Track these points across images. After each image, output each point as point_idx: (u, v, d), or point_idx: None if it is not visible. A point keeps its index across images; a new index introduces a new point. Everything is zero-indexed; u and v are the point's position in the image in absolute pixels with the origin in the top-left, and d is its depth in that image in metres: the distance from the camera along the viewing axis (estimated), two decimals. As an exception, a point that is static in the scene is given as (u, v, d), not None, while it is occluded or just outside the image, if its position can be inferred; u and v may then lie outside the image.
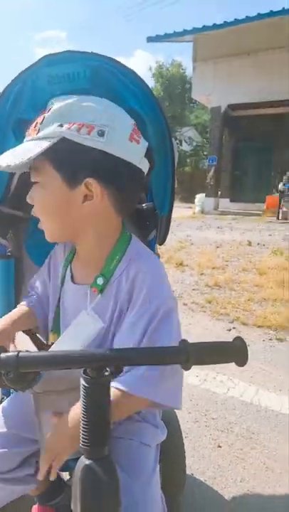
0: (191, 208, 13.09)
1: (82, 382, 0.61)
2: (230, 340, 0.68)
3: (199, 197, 12.90)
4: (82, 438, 0.60)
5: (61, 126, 0.76)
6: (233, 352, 0.66)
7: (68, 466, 0.83)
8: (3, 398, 1.13)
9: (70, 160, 0.77)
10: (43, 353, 0.64)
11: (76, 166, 0.77)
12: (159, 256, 1.20)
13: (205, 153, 20.54)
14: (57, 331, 0.96)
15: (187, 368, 0.63)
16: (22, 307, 1.01)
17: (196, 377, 2.30)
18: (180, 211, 11.65)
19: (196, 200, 12.99)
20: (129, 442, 0.88)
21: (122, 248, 0.88)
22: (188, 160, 23.84)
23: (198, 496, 1.42)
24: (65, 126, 0.75)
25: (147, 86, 0.94)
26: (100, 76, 0.91)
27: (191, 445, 1.70)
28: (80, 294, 0.90)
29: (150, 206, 1.13)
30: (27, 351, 0.62)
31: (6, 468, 0.87)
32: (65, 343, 0.87)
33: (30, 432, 0.90)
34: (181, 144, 24.87)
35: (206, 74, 12.49)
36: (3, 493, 0.89)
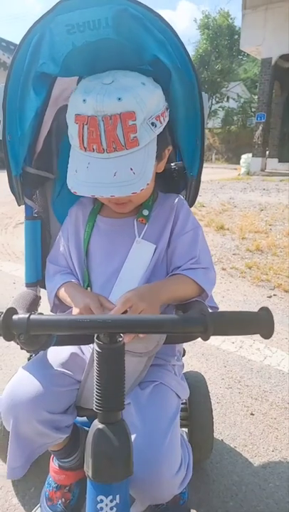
0: (236, 169, 12.57)
1: (96, 347, 0.61)
2: (258, 310, 0.63)
3: (245, 157, 12.32)
4: (96, 402, 0.61)
5: (154, 125, 0.84)
6: (258, 323, 0.62)
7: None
8: (31, 356, 1.16)
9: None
10: (54, 317, 0.63)
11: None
12: None
13: (253, 110, 19.43)
14: (88, 285, 0.98)
15: (206, 339, 0.60)
16: (72, 283, 0.99)
17: (231, 344, 2.25)
18: (224, 172, 11.24)
19: (241, 161, 12.43)
20: (156, 384, 0.91)
21: (152, 195, 1.01)
22: (234, 118, 22.68)
23: (227, 461, 1.42)
24: (156, 124, 0.84)
25: (176, 34, 0.85)
26: (123, 23, 0.82)
27: (223, 411, 1.68)
28: (120, 228, 0.99)
29: (179, 165, 1.07)
30: (40, 314, 0.61)
31: (55, 409, 0.88)
32: (127, 278, 0.94)
33: (77, 372, 0.93)
34: (227, 101, 23.64)
35: (256, 22, 11.54)
36: (42, 440, 0.90)
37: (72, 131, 0.84)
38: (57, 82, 1.02)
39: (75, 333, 0.65)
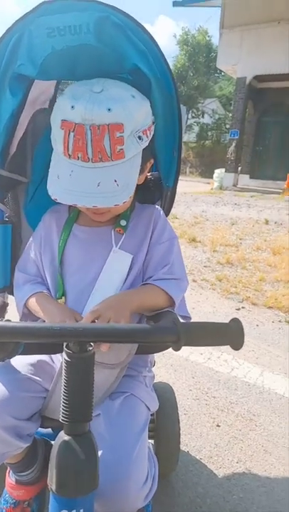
0: (209, 183, 12.83)
1: (65, 356, 0.59)
2: (227, 321, 0.64)
3: (218, 172, 12.59)
4: (63, 413, 0.59)
5: (140, 139, 0.83)
6: (229, 334, 0.63)
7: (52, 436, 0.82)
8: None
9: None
10: (21, 324, 0.61)
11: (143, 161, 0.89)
12: None
13: (227, 126, 19.96)
14: (63, 294, 0.95)
15: (177, 349, 0.60)
16: (43, 294, 0.96)
17: (200, 355, 2.27)
18: (198, 186, 11.44)
19: (214, 176, 12.69)
20: (126, 395, 0.90)
21: (132, 205, 1.01)
22: (209, 133, 23.20)
23: (192, 473, 1.41)
24: (143, 138, 0.84)
25: (157, 44, 0.85)
26: (105, 30, 0.82)
27: (189, 422, 1.68)
28: (97, 238, 0.97)
29: (155, 176, 1.08)
30: (7, 321, 0.59)
31: (19, 415, 0.85)
32: (103, 288, 0.92)
33: (45, 380, 0.90)
34: (203, 116, 24.17)
35: (232, 42, 11.91)
36: (2, 448, 0.86)
37: (57, 136, 0.82)
38: (34, 84, 1.00)
39: (44, 341, 0.63)
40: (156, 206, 1.07)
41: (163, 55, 0.87)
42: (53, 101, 1.11)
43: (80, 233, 0.99)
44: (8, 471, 1.04)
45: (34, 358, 0.94)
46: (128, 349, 0.83)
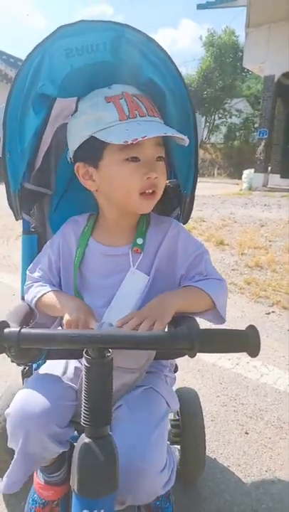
0: (238, 184, 12.65)
1: (84, 361, 0.62)
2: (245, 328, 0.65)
3: (247, 173, 12.38)
4: (84, 416, 0.61)
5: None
6: (245, 341, 0.63)
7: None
8: (24, 369, 1.17)
9: None
10: (44, 331, 0.65)
11: None
12: None
13: (256, 125, 19.61)
14: None
15: (192, 355, 0.62)
16: (57, 291, 1.01)
17: (228, 361, 2.25)
18: (226, 187, 11.31)
19: (243, 176, 12.49)
20: (146, 387, 0.93)
21: (145, 217, 1.02)
22: (237, 134, 22.90)
23: (220, 480, 1.41)
24: None
25: (169, 57, 0.90)
26: (120, 47, 0.88)
27: (217, 429, 1.67)
28: (114, 257, 0.99)
29: (174, 183, 1.10)
30: (31, 327, 0.62)
31: (61, 423, 0.89)
32: (118, 307, 0.94)
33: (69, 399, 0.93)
34: (230, 117, 23.86)
35: (259, 40, 11.72)
36: (43, 454, 0.90)
37: (105, 110, 0.86)
38: (56, 102, 1.05)
39: (64, 347, 0.66)
40: (173, 220, 1.07)
41: (176, 66, 0.90)
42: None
43: (97, 251, 1.02)
44: (35, 472, 1.07)
45: (70, 364, 0.99)
46: (147, 355, 0.86)
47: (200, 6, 11.99)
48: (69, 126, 0.97)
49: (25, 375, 1.17)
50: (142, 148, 0.87)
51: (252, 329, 0.63)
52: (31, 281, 1.06)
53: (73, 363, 1.00)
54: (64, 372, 0.98)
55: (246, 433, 1.66)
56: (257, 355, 0.63)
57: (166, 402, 0.95)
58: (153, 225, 1.03)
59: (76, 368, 0.98)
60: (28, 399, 0.88)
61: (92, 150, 0.90)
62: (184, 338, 0.60)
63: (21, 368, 1.21)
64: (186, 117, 0.96)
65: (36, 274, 1.06)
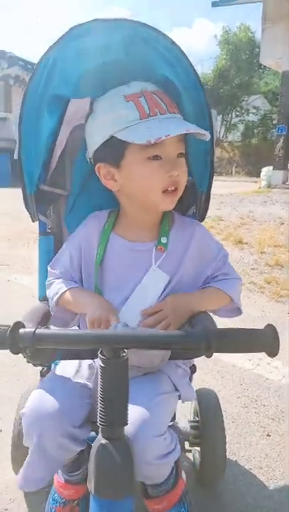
0: (256, 182, 12.48)
1: (99, 362, 0.62)
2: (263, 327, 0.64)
3: (266, 170, 12.19)
4: (100, 417, 0.61)
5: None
6: (263, 341, 0.62)
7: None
8: (43, 369, 1.17)
9: None
10: (59, 331, 0.67)
11: None
12: None
13: (274, 122, 19.34)
14: None
15: (209, 356, 0.60)
16: (79, 288, 1.02)
17: (248, 361, 2.22)
18: (244, 186, 11.18)
19: (262, 174, 12.31)
20: (155, 373, 0.94)
21: (168, 215, 1.03)
22: (255, 131, 22.61)
23: (241, 483, 1.38)
24: None
25: (183, 53, 0.87)
26: (134, 45, 0.86)
27: (238, 431, 1.65)
28: (138, 253, 0.99)
29: (190, 181, 1.09)
30: (46, 327, 0.62)
31: (76, 422, 0.89)
32: (135, 304, 0.95)
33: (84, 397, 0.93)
34: (247, 114, 23.58)
35: (276, 36, 11.51)
36: (61, 454, 0.91)
37: (125, 109, 0.86)
38: (70, 103, 1.05)
39: (79, 347, 0.67)
40: (196, 220, 1.09)
41: (191, 63, 0.88)
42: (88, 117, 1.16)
43: (119, 247, 1.01)
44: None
45: (84, 363, 0.99)
46: (162, 355, 0.85)
47: (215, 4, 11.89)
48: (87, 127, 0.97)
49: (44, 375, 1.17)
50: (164, 146, 0.87)
51: (270, 328, 0.61)
52: (53, 277, 1.06)
53: (86, 361, 1.00)
54: (78, 371, 0.98)
55: (268, 435, 1.63)
56: (276, 355, 0.62)
57: (174, 385, 0.95)
58: (176, 224, 1.03)
59: (90, 366, 0.98)
60: (42, 398, 0.88)
61: (113, 150, 0.89)
62: (201, 338, 0.59)
63: (39, 368, 1.22)
64: (202, 114, 0.95)
65: (58, 271, 1.06)
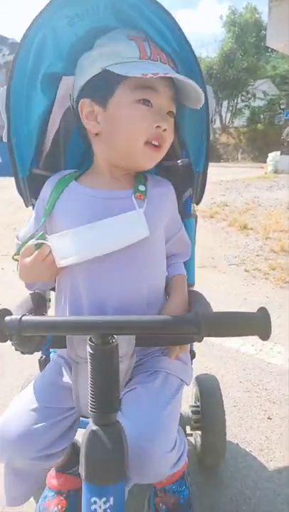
0: (262, 168, 12.31)
1: (88, 348, 0.60)
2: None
3: (273, 155, 12.02)
4: (90, 404, 0.60)
5: None
6: (256, 324, 0.60)
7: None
8: (41, 357, 1.18)
9: None
10: (46, 318, 0.64)
11: None
12: (196, 217, 1.15)
13: (282, 107, 18.99)
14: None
15: (199, 340, 0.59)
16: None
17: (251, 347, 2.22)
18: (250, 171, 11.04)
19: (268, 159, 12.15)
20: (158, 371, 0.90)
21: (141, 173, 0.96)
22: (261, 116, 22.22)
23: (242, 465, 1.39)
24: None
25: (176, 23, 0.83)
26: (122, 9, 0.82)
27: (240, 415, 1.65)
28: (112, 201, 0.88)
29: (185, 162, 1.06)
30: (32, 315, 0.62)
31: (47, 442, 0.84)
32: (100, 230, 0.83)
33: (66, 401, 0.88)
34: (254, 100, 23.15)
35: (284, 16, 11.22)
36: (39, 469, 0.89)
37: (126, 46, 0.81)
38: (62, 81, 1.00)
39: (67, 334, 0.65)
40: (169, 182, 1.02)
41: (181, 30, 0.83)
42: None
43: (81, 193, 0.91)
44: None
45: (52, 385, 0.93)
46: (126, 340, 0.79)
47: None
48: (80, 61, 0.89)
49: (43, 363, 1.16)
50: (156, 94, 0.83)
51: (262, 312, 0.60)
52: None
53: (53, 382, 0.93)
54: (48, 393, 0.91)
55: (269, 418, 1.64)
56: (268, 338, 0.60)
57: (179, 378, 0.92)
58: (150, 179, 0.97)
59: (58, 386, 0.92)
60: (6, 425, 0.83)
61: (103, 85, 0.83)
62: (191, 322, 0.58)
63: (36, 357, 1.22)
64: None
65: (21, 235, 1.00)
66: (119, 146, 0.87)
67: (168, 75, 0.79)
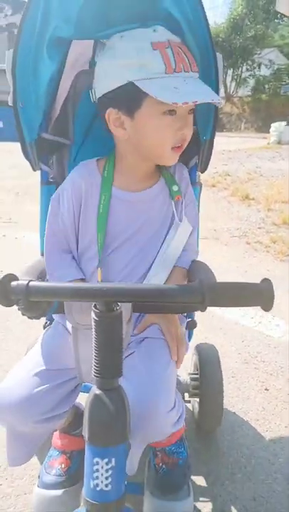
0: (265, 138, 12.09)
1: (93, 315, 0.61)
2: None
3: (276, 126, 11.77)
4: (94, 369, 0.62)
5: None
6: (259, 295, 0.60)
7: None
8: (46, 323, 1.16)
9: None
10: (53, 284, 0.65)
11: None
12: (201, 185, 1.15)
13: None
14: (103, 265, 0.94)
15: (203, 309, 0.58)
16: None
17: (250, 319, 2.22)
18: (253, 141, 10.85)
19: (271, 130, 11.90)
20: (155, 338, 0.94)
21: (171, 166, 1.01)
22: (266, 86, 21.59)
23: (238, 434, 1.42)
24: None
25: None
26: None
27: (237, 385, 1.67)
28: (152, 205, 0.97)
29: (193, 130, 1.02)
30: (39, 280, 0.60)
31: (49, 405, 0.86)
32: (167, 261, 0.97)
33: (66, 362, 0.89)
34: (259, 69, 22.42)
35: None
36: (40, 432, 0.91)
37: (151, 58, 0.80)
38: (72, 46, 0.98)
39: (73, 300, 0.66)
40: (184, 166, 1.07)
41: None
42: (92, 62, 1.07)
43: (121, 199, 0.95)
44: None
45: (56, 347, 0.94)
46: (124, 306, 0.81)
47: None
48: (102, 64, 0.88)
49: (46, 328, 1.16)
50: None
51: (266, 283, 0.60)
52: (50, 236, 0.99)
53: (58, 344, 0.95)
54: (52, 354, 0.93)
55: (266, 389, 1.65)
56: (270, 309, 0.60)
57: None
58: (175, 173, 1.02)
59: (62, 346, 0.92)
60: (5, 390, 0.85)
61: (130, 98, 0.83)
62: (194, 291, 0.58)
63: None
64: (206, 54, 0.88)
65: (56, 227, 0.99)
66: (147, 151, 0.91)
67: (196, 103, 0.80)
